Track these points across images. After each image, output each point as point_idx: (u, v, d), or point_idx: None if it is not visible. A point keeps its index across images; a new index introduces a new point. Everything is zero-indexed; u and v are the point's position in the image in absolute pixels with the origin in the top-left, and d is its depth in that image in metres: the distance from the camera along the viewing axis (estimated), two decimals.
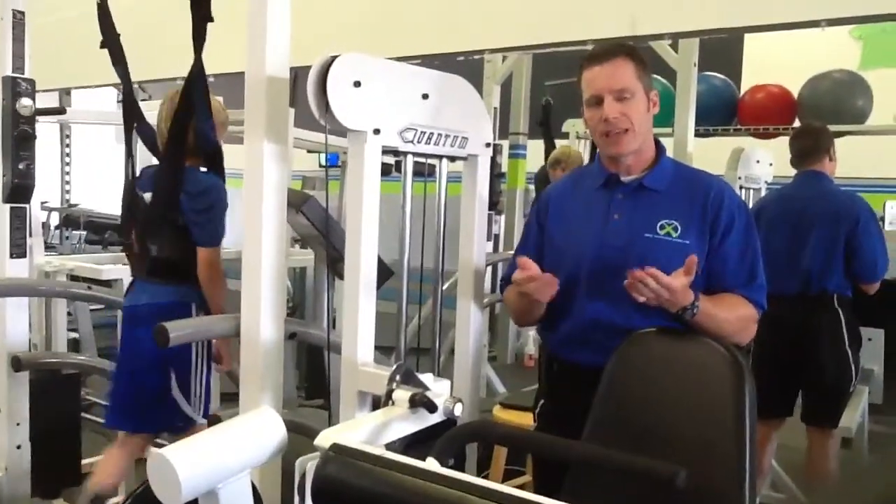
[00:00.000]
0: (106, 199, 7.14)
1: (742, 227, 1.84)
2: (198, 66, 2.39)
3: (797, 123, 4.60)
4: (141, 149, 2.76)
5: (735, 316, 1.80)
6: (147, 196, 2.58)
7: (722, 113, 5.02)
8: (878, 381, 3.17)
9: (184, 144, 2.48)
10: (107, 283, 3.56)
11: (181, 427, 2.54)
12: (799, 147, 3.18)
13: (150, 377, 2.51)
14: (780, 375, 3.01)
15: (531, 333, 6.35)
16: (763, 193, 3.99)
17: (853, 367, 2.97)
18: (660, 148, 1.93)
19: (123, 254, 2.96)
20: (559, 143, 5.34)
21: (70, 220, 7.28)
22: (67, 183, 7.15)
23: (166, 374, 2.51)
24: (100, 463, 2.71)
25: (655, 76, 4.78)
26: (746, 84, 5.53)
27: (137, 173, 2.69)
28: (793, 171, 3.26)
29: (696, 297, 1.70)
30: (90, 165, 8.15)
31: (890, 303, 3.12)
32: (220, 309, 2.51)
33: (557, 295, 1.87)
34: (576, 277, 1.89)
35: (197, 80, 2.41)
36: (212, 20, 2.30)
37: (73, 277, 3.77)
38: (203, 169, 2.58)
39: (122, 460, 2.63)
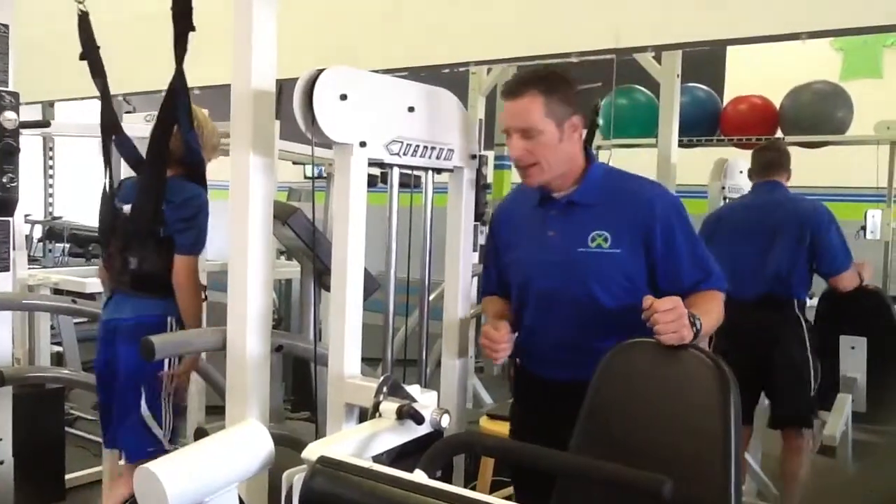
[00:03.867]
0: (90, 212, 7.08)
1: (682, 227, 1.87)
2: (179, 77, 2.38)
3: (779, 134, 4.64)
4: (121, 161, 2.75)
5: (716, 312, 1.84)
6: (126, 208, 2.56)
7: (705, 124, 5.05)
8: (861, 390, 3.19)
9: (165, 155, 2.47)
10: (91, 297, 3.54)
11: (152, 453, 2.40)
12: (767, 159, 3.31)
13: (129, 395, 2.48)
14: (742, 381, 3.01)
15: None
16: None
17: (812, 369, 3.04)
18: (590, 161, 1.94)
19: (98, 268, 2.92)
20: None
21: (53, 232, 7.23)
22: (51, 196, 7.09)
23: (139, 392, 2.47)
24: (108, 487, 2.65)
25: (640, 88, 4.84)
26: (729, 95, 5.58)
27: (116, 185, 2.68)
28: None
29: (694, 315, 1.69)
30: (74, 178, 8.10)
31: (872, 311, 3.16)
32: (196, 320, 2.50)
33: (517, 308, 2.00)
34: (525, 295, 1.97)
35: (178, 91, 2.41)
36: (193, 30, 2.30)
37: (57, 291, 3.74)
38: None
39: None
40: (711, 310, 1.82)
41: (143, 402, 2.47)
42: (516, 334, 1.98)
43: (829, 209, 3.16)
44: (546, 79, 1.84)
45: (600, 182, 1.92)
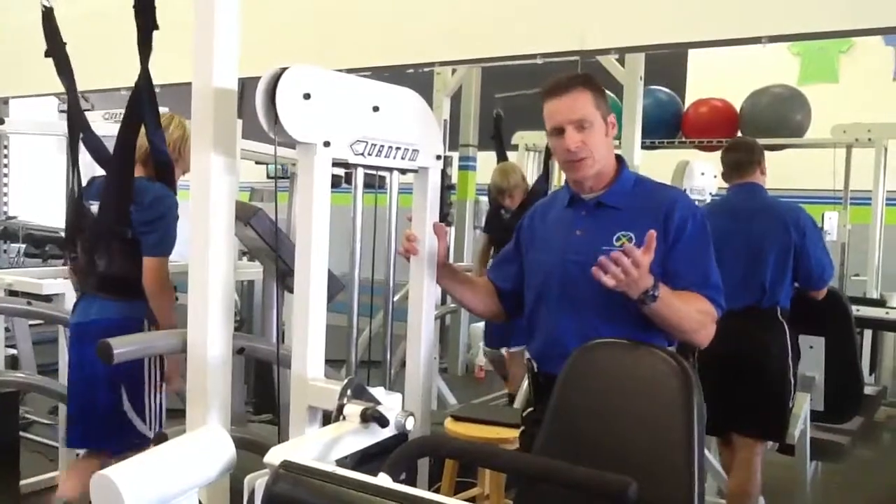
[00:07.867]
0: (46, 212, 6.96)
1: (695, 231, 1.89)
2: (144, 76, 2.34)
3: (739, 136, 4.71)
4: (86, 160, 2.69)
5: (694, 308, 1.83)
6: (94, 207, 2.52)
7: (667, 126, 5.11)
8: (819, 389, 3.24)
9: (131, 156, 2.43)
10: (47, 298, 3.46)
11: (137, 444, 2.45)
12: (733, 160, 3.16)
13: (101, 395, 2.44)
14: (724, 392, 2.98)
15: (481, 345, 6.36)
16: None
17: (792, 381, 2.97)
18: (621, 165, 2.01)
19: (66, 268, 2.87)
20: (509, 154, 5.36)
21: (8, 233, 7.07)
22: (5, 195, 6.94)
23: (117, 391, 2.44)
24: (64, 475, 2.61)
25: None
26: (690, 98, 5.66)
27: (83, 184, 2.63)
28: None
29: (656, 282, 1.72)
30: (29, 177, 7.94)
31: (830, 311, 3.19)
32: (171, 323, 2.46)
33: (534, 309, 2.00)
34: (546, 293, 1.97)
35: (144, 90, 2.37)
36: (157, 28, 2.26)
37: (12, 292, 3.65)
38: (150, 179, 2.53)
39: (86, 475, 2.55)
40: (688, 301, 1.82)
41: (125, 400, 2.44)
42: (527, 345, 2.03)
43: (810, 215, 3.07)
44: (587, 77, 1.98)
45: (630, 187, 1.98)
